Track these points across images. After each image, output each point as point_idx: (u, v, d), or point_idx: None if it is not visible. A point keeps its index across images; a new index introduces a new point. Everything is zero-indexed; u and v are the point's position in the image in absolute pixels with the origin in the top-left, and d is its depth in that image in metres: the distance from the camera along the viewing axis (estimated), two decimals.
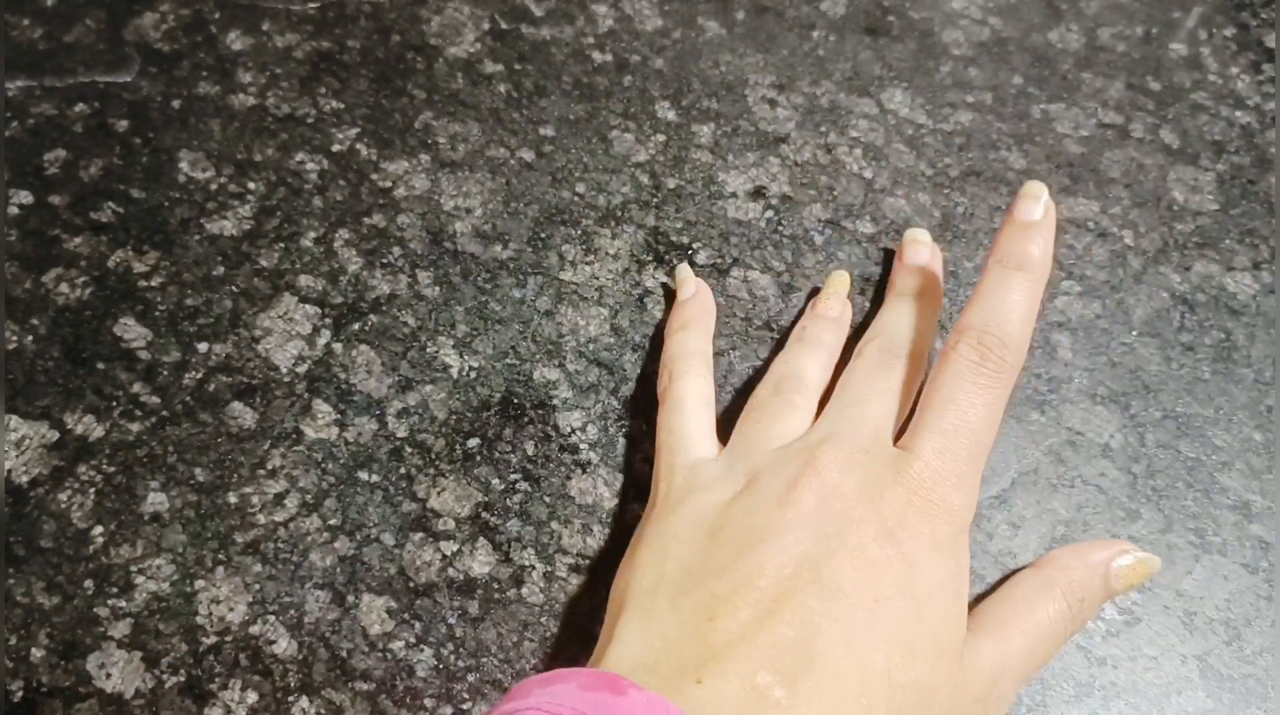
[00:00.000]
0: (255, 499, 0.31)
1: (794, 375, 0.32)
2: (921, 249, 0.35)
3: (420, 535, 0.31)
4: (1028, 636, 0.27)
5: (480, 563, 0.30)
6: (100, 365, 0.33)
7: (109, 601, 0.29)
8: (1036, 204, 0.30)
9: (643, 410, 0.33)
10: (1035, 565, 0.30)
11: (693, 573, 0.25)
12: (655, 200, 0.38)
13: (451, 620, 0.29)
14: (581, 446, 0.33)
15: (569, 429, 0.33)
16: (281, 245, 0.36)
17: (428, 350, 0.34)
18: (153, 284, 0.34)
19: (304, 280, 0.35)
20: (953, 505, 0.27)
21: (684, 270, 0.36)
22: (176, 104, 0.39)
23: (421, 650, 0.29)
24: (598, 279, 0.36)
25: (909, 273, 0.35)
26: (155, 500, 0.31)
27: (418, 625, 0.29)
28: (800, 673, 0.23)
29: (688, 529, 0.27)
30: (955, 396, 0.28)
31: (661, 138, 0.40)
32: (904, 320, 0.33)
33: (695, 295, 0.35)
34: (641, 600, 0.26)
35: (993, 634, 0.27)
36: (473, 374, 0.34)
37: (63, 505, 0.30)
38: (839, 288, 0.35)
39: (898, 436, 0.29)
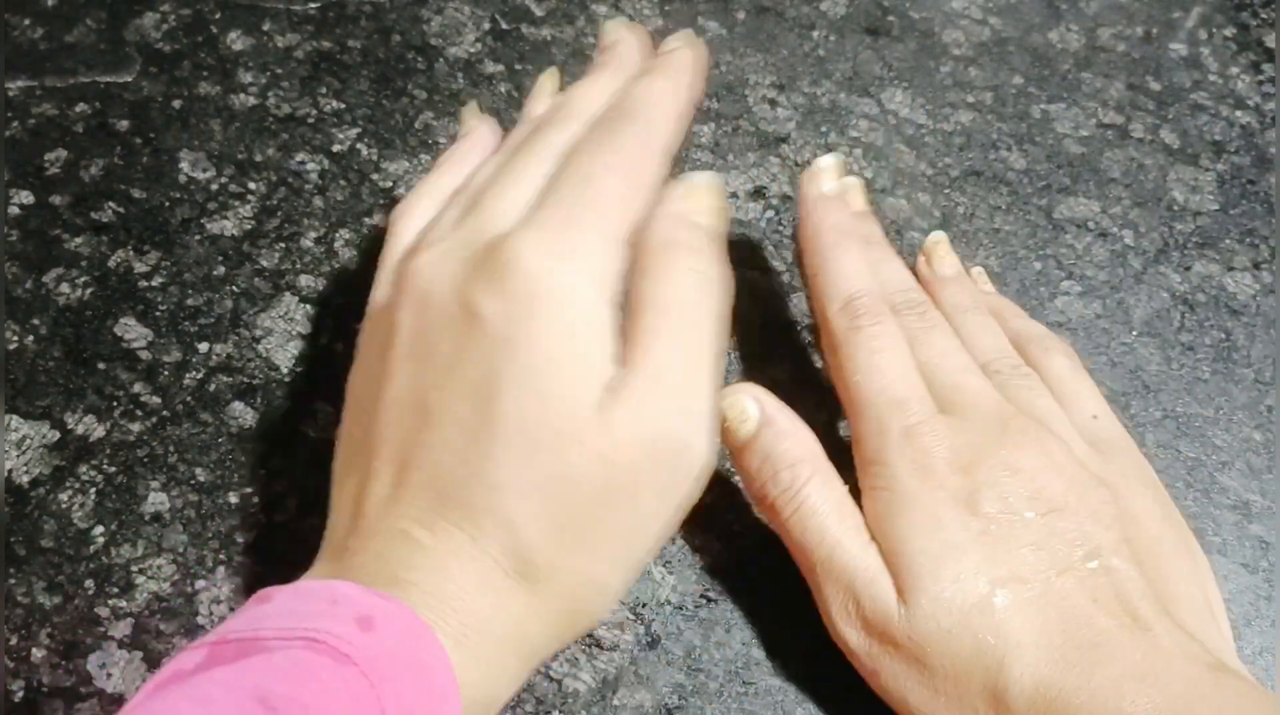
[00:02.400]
0: (256, 499, 0.31)
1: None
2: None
3: None
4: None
5: None
6: (101, 365, 0.33)
7: (110, 601, 0.29)
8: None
9: None
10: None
11: (355, 417, 0.26)
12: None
13: None
14: None
15: None
16: (282, 245, 0.36)
17: None
18: (153, 284, 0.35)
19: (304, 280, 0.35)
20: (552, 270, 0.23)
21: (472, 112, 0.32)
22: (177, 104, 0.39)
23: None
24: None
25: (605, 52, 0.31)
26: (156, 500, 0.31)
27: None
28: (434, 511, 0.23)
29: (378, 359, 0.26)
30: (589, 173, 0.25)
31: None
32: (588, 92, 0.29)
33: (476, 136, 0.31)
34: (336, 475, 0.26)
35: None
36: None
37: (63, 505, 0.30)
38: (548, 87, 0.31)
39: None
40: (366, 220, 0.37)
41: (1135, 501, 0.28)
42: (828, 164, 0.33)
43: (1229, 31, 0.45)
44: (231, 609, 0.29)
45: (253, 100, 0.39)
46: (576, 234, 0.24)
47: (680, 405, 0.24)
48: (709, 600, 0.30)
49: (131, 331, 0.34)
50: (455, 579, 0.22)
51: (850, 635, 0.27)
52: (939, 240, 0.35)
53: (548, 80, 0.31)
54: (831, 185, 0.33)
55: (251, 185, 0.37)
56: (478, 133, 0.31)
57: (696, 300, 0.25)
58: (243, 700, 0.18)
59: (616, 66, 0.30)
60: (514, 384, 0.23)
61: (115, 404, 0.32)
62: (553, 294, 0.23)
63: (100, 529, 0.30)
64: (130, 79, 0.39)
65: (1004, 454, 0.27)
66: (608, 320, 0.24)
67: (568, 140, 0.27)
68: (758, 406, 0.28)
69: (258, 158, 0.38)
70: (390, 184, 0.37)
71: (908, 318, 0.30)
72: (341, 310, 0.35)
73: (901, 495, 0.27)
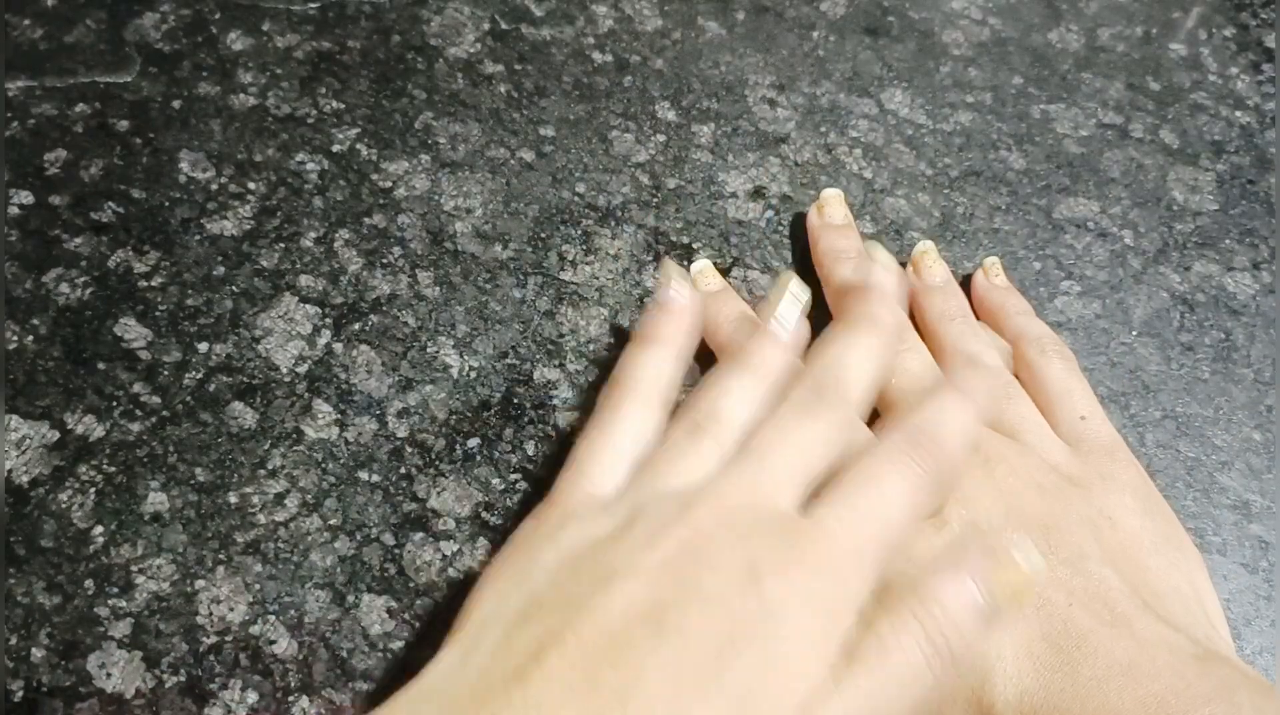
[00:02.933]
0: (256, 499, 0.31)
1: (714, 414, 0.28)
2: (878, 268, 0.31)
3: (420, 535, 0.31)
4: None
5: (480, 562, 0.30)
6: (101, 365, 0.33)
7: (109, 601, 0.29)
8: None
9: None
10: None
11: (543, 607, 0.24)
12: (655, 200, 0.38)
13: (452, 620, 0.29)
14: None
15: (569, 429, 0.33)
16: (282, 245, 0.36)
17: (428, 350, 0.34)
18: (153, 284, 0.35)
19: (304, 280, 0.35)
20: (845, 577, 0.24)
21: (672, 268, 0.31)
22: (177, 104, 0.39)
23: (422, 650, 0.29)
24: (598, 279, 0.36)
25: (862, 296, 0.30)
26: (156, 500, 0.31)
27: (418, 625, 0.29)
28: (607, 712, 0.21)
29: (554, 559, 0.25)
30: (881, 477, 0.25)
31: (661, 138, 0.40)
32: (846, 357, 0.29)
33: (684, 306, 0.31)
34: (478, 624, 0.24)
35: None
36: (473, 374, 0.34)
37: (63, 505, 0.30)
38: (800, 298, 0.30)
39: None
40: (366, 220, 0.37)
41: (1111, 499, 0.28)
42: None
43: (1229, 31, 0.45)
44: (231, 609, 0.29)
45: (252, 100, 0.39)
46: (856, 563, 0.24)
47: None
48: None
49: (131, 331, 0.34)
50: None
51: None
52: (926, 250, 0.35)
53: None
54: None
55: (251, 185, 0.37)
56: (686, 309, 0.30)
57: (918, 671, 0.23)
58: None
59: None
60: (763, 653, 0.22)
61: (115, 404, 0.32)
62: (850, 608, 0.23)
63: (100, 529, 0.30)
64: (130, 79, 0.39)
65: (973, 474, 0.27)
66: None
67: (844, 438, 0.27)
68: None
69: (258, 158, 0.38)
70: (390, 184, 0.37)
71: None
72: (341, 310, 0.35)
73: None
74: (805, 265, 0.37)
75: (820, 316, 0.32)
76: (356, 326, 0.34)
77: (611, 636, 0.22)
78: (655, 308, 0.30)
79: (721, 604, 0.22)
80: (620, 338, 0.35)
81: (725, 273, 0.36)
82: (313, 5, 0.42)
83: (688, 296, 0.31)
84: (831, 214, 0.36)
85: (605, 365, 0.34)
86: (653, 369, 0.29)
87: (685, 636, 0.22)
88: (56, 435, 0.31)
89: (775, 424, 0.27)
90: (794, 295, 0.30)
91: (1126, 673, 0.24)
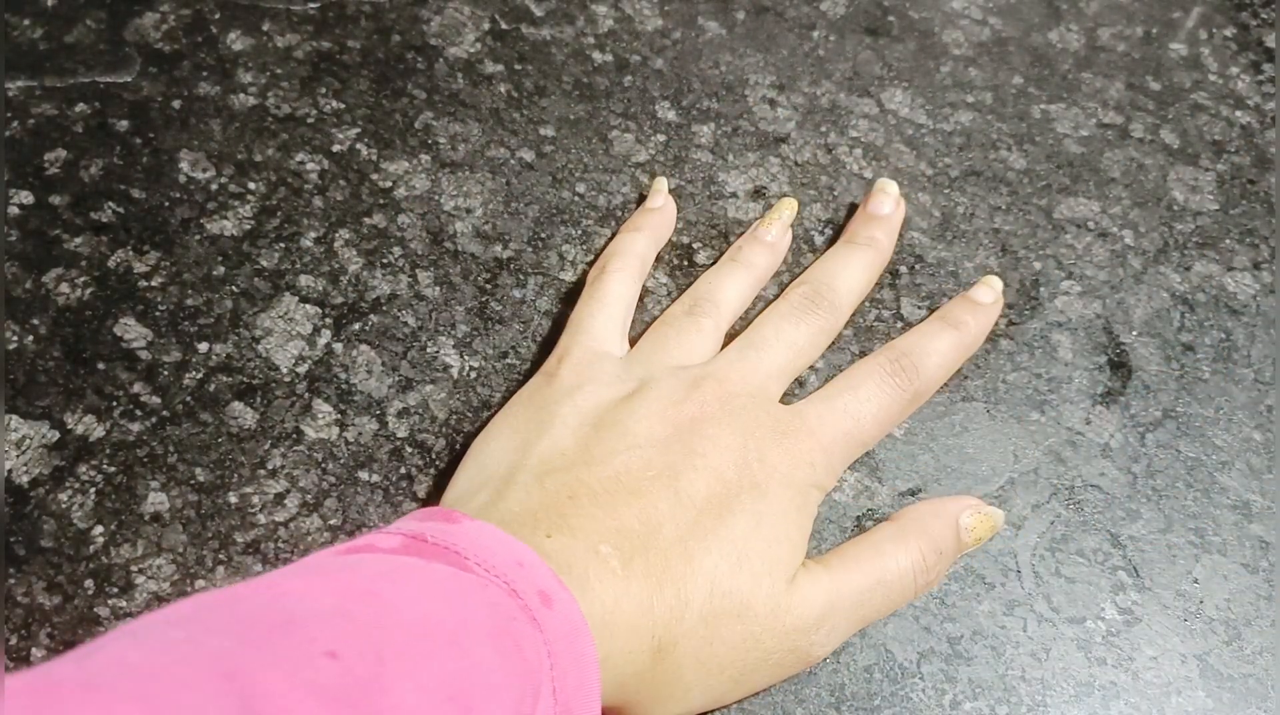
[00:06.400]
0: (256, 499, 0.31)
1: (711, 298, 0.33)
2: (885, 200, 0.36)
3: None
4: (869, 578, 0.28)
5: None
6: (101, 365, 0.33)
7: (109, 601, 0.29)
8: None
9: None
10: (892, 518, 0.30)
11: (566, 457, 0.28)
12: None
13: None
14: None
15: None
16: (282, 245, 0.36)
17: (428, 350, 0.34)
18: (153, 284, 0.35)
19: (304, 280, 0.35)
20: (814, 463, 0.29)
21: (661, 183, 0.37)
22: (177, 104, 0.39)
23: None
24: None
25: (864, 221, 0.36)
26: (156, 500, 0.31)
27: None
28: (636, 553, 0.26)
29: (575, 417, 0.29)
30: (859, 386, 0.31)
31: (661, 138, 0.40)
32: (841, 271, 0.34)
33: (661, 208, 0.36)
34: (506, 472, 0.28)
35: (834, 568, 0.28)
36: (473, 374, 0.34)
37: (63, 505, 0.30)
38: (783, 214, 0.36)
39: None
40: (366, 220, 0.37)
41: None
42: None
43: (1229, 31, 0.45)
44: None
45: (252, 100, 0.39)
46: (825, 455, 0.30)
47: (848, 612, 0.28)
48: None
49: (131, 331, 0.34)
50: (621, 619, 0.25)
51: None
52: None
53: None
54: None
55: (251, 185, 0.37)
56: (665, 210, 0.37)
57: (901, 581, 0.29)
58: (469, 600, 0.21)
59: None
60: (753, 516, 0.27)
61: (115, 404, 0.32)
62: (817, 488, 0.30)
63: (100, 529, 0.30)
64: (130, 79, 0.39)
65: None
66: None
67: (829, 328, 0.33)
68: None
69: (258, 158, 0.38)
70: (390, 184, 0.37)
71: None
72: (341, 310, 0.35)
73: None
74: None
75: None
76: (356, 326, 0.34)
77: (633, 489, 0.27)
78: (646, 207, 0.37)
79: (720, 473, 0.28)
80: None
81: None
82: (313, 5, 0.42)
83: (665, 200, 0.37)
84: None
85: None
86: (638, 248, 0.35)
87: (692, 495, 0.27)
88: (56, 435, 0.31)
89: (773, 322, 0.33)
90: (780, 210, 0.36)
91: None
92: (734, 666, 0.26)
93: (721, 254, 0.37)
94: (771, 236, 0.36)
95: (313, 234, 0.36)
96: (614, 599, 0.25)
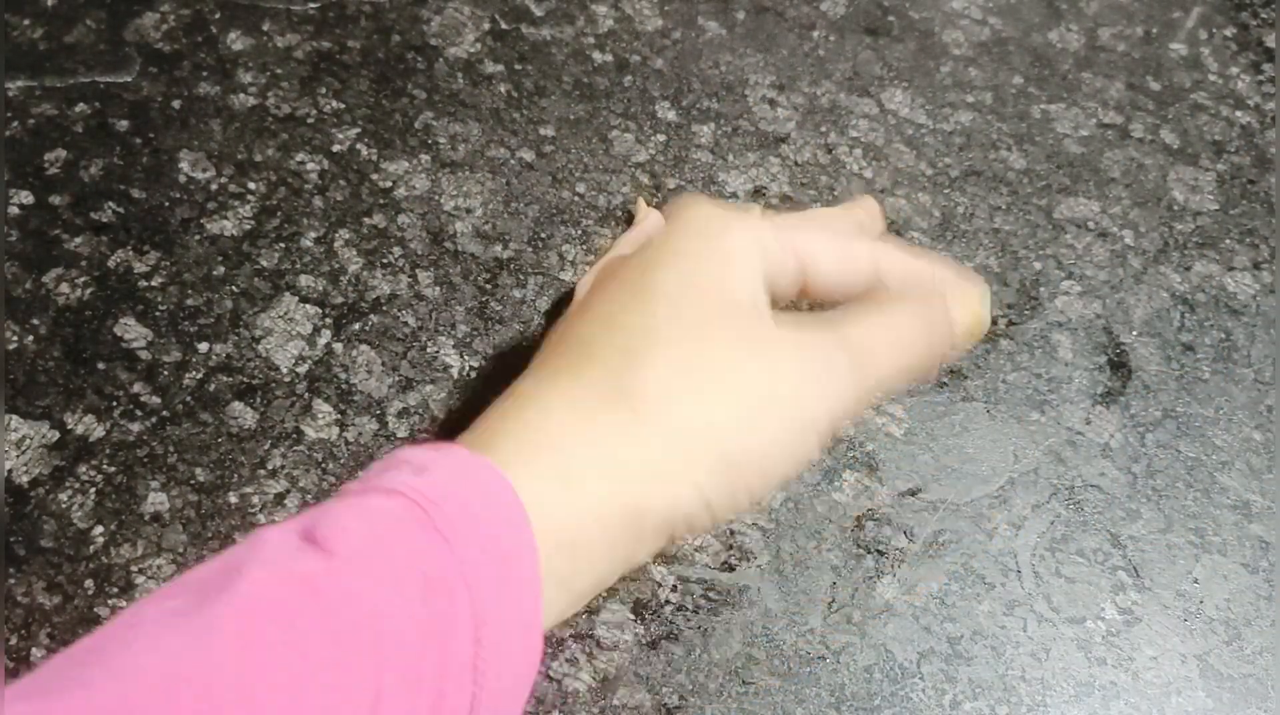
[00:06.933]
0: (256, 499, 0.31)
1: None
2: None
3: None
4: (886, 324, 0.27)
5: None
6: (101, 365, 0.33)
7: (109, 601, 0.29)
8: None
9: None
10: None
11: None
12: (655, 200, 0.38)
13: None
14: None
15: None
16: (282, 245, 0.36)
17: (428, 350, 0.34)
18: (153, 284, 0.35)
19: (304, 280, 0.35)
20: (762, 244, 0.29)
21: (642, 205, 0.38)
22: (177, 104, 0.39)
23: None
24: None
25: (855, 202, 0.35)
26: (156, 500, 0.31)
27: None
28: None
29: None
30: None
31: (661, 138, 0.40)
32: (818, 218, 0.33)
33: (649, 219, 0.37)
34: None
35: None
36: (473, 374, 0.34)
37: (63, 505, 0.30)
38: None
39: None
40: (366, 220, 0.37)
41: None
42: None
43: (1229, 31, 0.45)
44: None
45: (252, 100, 0.39)
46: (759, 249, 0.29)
47: (850, 356, 0.26)
48: (709, 600, 0.30)
49: (131, 331, 0.34)
50: (547, 410, 0.24)
51: None
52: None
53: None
54: None
55: (251, 185, 0.37)
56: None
57: (912, 337, 0.27)
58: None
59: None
60: (718, 263, 0.27)
61: (115, 404, 0.32)
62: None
63: (100, 529, 0.30)
64: (130, 79, 0.39)
65: None
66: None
67: None
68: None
69: (258, 158, 0.38)
70: (390, 184, 0.37)
71: None
72: (341, 310, 0.35)
73: None
74: None
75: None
76: (356, 326, 0.34)
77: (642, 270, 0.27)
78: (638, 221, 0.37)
79: (689, 249, 0.27)
80: None
81: None
82: (313, 5, 0.42)
83: (654, 215, 0.36)
84: None
85: None
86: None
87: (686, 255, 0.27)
88: (56, 435, 0.31)
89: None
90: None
91: None
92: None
93: None
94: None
95: (313, 234, 0.36)
96: (537, 409, 0.25)
